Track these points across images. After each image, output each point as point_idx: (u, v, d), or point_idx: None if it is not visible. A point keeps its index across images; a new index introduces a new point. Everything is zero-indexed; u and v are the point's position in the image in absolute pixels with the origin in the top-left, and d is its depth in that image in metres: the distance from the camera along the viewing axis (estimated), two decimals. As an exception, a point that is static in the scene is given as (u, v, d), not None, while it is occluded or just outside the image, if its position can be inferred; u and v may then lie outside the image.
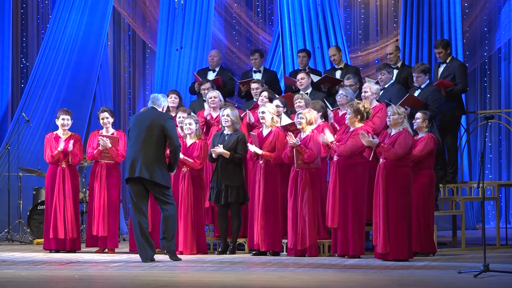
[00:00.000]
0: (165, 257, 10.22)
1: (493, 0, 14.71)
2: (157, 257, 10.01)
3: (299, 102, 11.07)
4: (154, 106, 9.96)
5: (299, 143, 10.18)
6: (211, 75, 13.20)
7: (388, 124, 9.90)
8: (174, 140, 9.84)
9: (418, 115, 10.27)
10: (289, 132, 10.31)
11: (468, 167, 14.59)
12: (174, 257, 9.91)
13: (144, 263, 9.66)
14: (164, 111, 10.06)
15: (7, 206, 13.08)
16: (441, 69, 12.07)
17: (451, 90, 11.83)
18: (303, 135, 10.37)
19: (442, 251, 10.72)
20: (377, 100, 10.88)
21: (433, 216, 10.22)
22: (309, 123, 10.36)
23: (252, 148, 10.57)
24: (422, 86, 11.48)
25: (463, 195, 12.68)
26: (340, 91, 11.01)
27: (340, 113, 10.96)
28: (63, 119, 11.41)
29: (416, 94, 11.39)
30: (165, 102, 10.06)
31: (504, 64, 14.88)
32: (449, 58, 12.10)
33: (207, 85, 12.18)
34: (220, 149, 10.62)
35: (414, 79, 11.53)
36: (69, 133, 11.47)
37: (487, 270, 8.20)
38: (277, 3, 14.91)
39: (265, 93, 11.46)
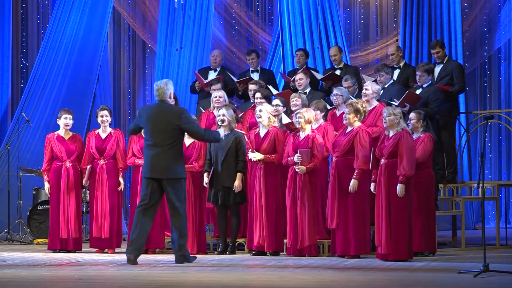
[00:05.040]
0: (165, 257, 10.21)
1: (493, 0, 14.71)
2: (156, 257, 10.01)
3: (295, 101, 11.05)
4: (163, 99, 9.80)
5: (305, 169, 10.19)
6: (212, 75, 13.22)
7: (384, 125, 9.89)
8: (195, 133, 9.84)
9: (412, 115, 10.23)
10: (296, 167, 10.27)
11: (468, 167, 14.59)
12: (190, 260, 9.77)
13: (143, 264, 9.65)
14: (172, 98, 9.93)
15: (7, 206, 13.08)
16: (437, 70, 12.07)
17: (450, 92, 11.83)
18: (302, 135, 10.37)
19: (442, 251, 10.72)
20: (377, 100, 10.88)
21: (434, 215, 10.22)
22: (308, 122, 10.35)
23: (253, 155, 10.54)
24: (424, 86, 11.49)
25: (463, 195, 12.68)
26: (335, 91, 10.98)
27: (338, 113, 10.94)
28: (65, 118, 11.41)
29: (417, 93, 11.39)
30: (171, 88, 9.85)
31: (504, 64, 14.89)
32: (446, 59, 12.11)
33: (218, 85, 12.18)
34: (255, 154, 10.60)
35: (417, 77, 11.54)
36: (71, 133, 11.48)
37: (487, 270, 8.20)
38: (277, 3, 14.91)
39: (258, 94, 11.44)
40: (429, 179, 10.20)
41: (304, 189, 10.22)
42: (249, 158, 10.60)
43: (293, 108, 10.97)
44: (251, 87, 12.04)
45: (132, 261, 9.57)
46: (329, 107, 11.23)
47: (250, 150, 10.60)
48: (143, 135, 10.05)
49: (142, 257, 10.32)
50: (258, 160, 10.55)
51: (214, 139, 10.14)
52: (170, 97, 9.85)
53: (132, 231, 9.72)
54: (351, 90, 11.47)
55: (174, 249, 9.71)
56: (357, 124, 10.12)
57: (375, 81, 11.69)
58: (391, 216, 9.62)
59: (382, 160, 9.75)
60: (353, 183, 9.95)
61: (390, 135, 9.77)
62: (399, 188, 9.55)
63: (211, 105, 11.71)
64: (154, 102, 10.00)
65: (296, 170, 10.23)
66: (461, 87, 11.96)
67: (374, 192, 9.84)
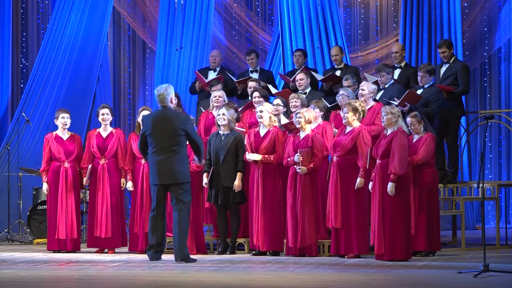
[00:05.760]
0: (165, 257, 10.21)
1: (493, 0, 14.71)
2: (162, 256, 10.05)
3: (294, 102, 11.06)
4: (165, 105, 9.91)
5: (306, 169, 10.18)
6: (211, 75, 13.21)
7: (382, 124, 9.91)
8: (195, 141, 9.92)
9: (410, 120, 10.13)
10: (296, 167, 10.26)
11: (468, 167, 14.59)
12: (190, 261, 9.87)
13: (143, 264, 9.66)
14: (173, 103, 10.01)
15: (7, 206, 13.08)
16: (443, 69, 12.05)
17: (453, 92, 11.82)
18: (302, 135, 10.37)
19: (442, 251, 10.70)
20: (374, 100, 10.88)
21: (438, 214, 10.23)
22: (308, 122, 10.36)
23: (251, 156, 10.53)
24: (425, 86, 11.48)
25: (463, 195, 12.68)
26: (341, 92, 11.00)
27: (343, 114, 10.94)
28: (62, 117, 11.40)
29: (418, 93, 11.38)
30: (172, 93, 9.95)
31: (504, 64, 14.88)
32: (453, 59, 12.09)
33: (219, 86, 12.18)
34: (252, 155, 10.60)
35: (419, 78, 11.53)
36: (69, 133, 11.47)
37: (487, 270, 8.20)
38: (277, 3, 14.91)
39: (256, 93, 11.46)
40: (433, 178, 10.22)
41: (305, 188, 10.21)
42: (247, 159, 10.59)
43: (292, 109, 10.97)
44: (251, 84, 12.05)
45: (156, 259, 9.91)
46: (328, 106, 11.24)
47: (247, 151, 10.61)
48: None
49: (142, 257, 10.35)
50: (256, 161, 10.55)
51: (200, 157, 10.15)
52: (171, 102, 9.94)
53: (151, 237, 9.90)
54: (352, 90, 11.46)
55: (174, 248, 9.82)
56: (356, 123, 10.13)
57: (377, 81, 11.71)
58: (386, 216, 9.62)
59: (378, 161, 9.76)
60: (359, 181, 9.95)
61: (387, 134, 9.79)
62: (389, 186, 9.56)
63: (211, 105, 11.72)
64: (156, 109, 10.07)
65: (297, 170, 10.23)
66: (465, 88, 11.92)
67: (371, 191, 9.86)
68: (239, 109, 11.59)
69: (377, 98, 11.33)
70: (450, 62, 12.05)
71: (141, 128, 10.15)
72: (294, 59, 13.17)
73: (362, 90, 10.81)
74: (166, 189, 9.88)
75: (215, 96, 11.61)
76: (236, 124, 11.00)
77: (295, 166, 10.27)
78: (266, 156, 10.52)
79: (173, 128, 9.79)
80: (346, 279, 8.24)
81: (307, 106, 10.86)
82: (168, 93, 9.91)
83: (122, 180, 11.20)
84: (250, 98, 11.87)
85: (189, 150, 10.83)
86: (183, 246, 9.79)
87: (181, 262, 9.71)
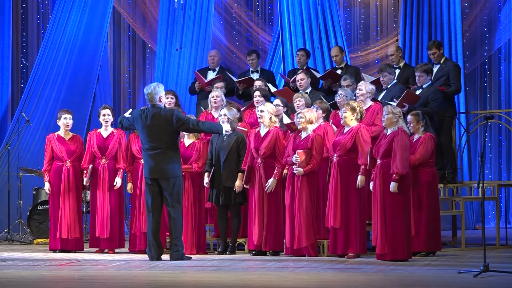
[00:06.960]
0: (165, 257, 10.21)
1: (493, 0, 14.72)
2: (162, 256, 10.07)
3: (298, 101, 11.05)
4: (154, 104, 9.96)
5: (303, 171, 10.18)
6: (211, 75, 13.21)
7: (383, 124, 9.91)
8: (192, 130, 10.14)
9: (410, 118, 10.18)
10: (294, 168, 10.26)
11: (468, 167, 14.59)
12: (185, 259, 10.02)
13: (143, 264, 9.67)
14: (162, 102, 10.05)
15: (7, 206, 13.09)
16: (434, 70, 12.05)
17: (445, 92, 11.81)
18: (303, 135, 10.37)
19: (442, 251, 10.70)
20: (372, 100, 10.88)
21: (438, 214, 10.23)
22: (309, 122, 10.35)
23: (269, 189, 10.48)
24: (424, 86, 11.48)
25: (463, 195, 12.68)
26: (340, 91, 11.00)
27: (341, 114, 10.94)
28: (65, 118, 11.40)
29: (417, 93, 11.38)
30: (160, 92, 9.99)
31: (504, 64, 14.89)
32: (443, 59, 12.08)
33: (221, 84, 12.17)
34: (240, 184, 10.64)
35: (416, 78, 11.54)
36: (71, 134, 11.47)
37: (487, 270, 8.20)
38: (277, 3, 14.92)
39: (256, 93, 11.46)
40: (433, 177, 10.22)
41: (302, 189, 10.20)
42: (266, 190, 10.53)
43: (296, 109, 10.95)
44: (257, 83, 12.03)
45: (156, 259, 9.97)
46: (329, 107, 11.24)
47: (246, 184, 10.58)
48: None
49: (142, 257, 10.36)
50: (256, 156, 10.56)
51: (215, 130, 10.23)
52: (160, 101, 9.97)
53: (150, 238, 9.99)
54: (350, 90, 11.46)
55: (170, 246, 9.96)
56: (354, 123, 10.13)
57: (377, 80, 11.70)
58: (387, 216, 9.63)
59: (379, 160, 9.76)
60: (360, 179, 9.94)
61: (388, 134, 9.79)
62: (392, 186, 9.56)
63: (209, 105, 11.71)
64: (147, 106, 10.11)
65: (294, 171, 10.22)
66: (457, 87, 11.92)
67: (372, 191, 9.86)
68: (242, 109, 11.59)
69: (380, 98, 11.33)
70: (441, 62, 12.04)
71: (131, 118, 10.17)
72: (296, 58, 13.16)
73: (360, 90, 10.82)
74: (157, 185, 9.94)
75: (213, 97, 11.60)
76: (239, 124, 11.00)
77: (292, 167, 10.27)
78: (276, 177, 10.44)
79: (162, 128, 9.87)
80: (346, 279, 8.24)
81: (311, 105, 10.86)
82: (157, 92, 9.96)
83: (117, 179, 11.15)
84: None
85: (190, 150, 10.87)
86: (177, 248, 9.93)
87: (177, 260, 9.87)
